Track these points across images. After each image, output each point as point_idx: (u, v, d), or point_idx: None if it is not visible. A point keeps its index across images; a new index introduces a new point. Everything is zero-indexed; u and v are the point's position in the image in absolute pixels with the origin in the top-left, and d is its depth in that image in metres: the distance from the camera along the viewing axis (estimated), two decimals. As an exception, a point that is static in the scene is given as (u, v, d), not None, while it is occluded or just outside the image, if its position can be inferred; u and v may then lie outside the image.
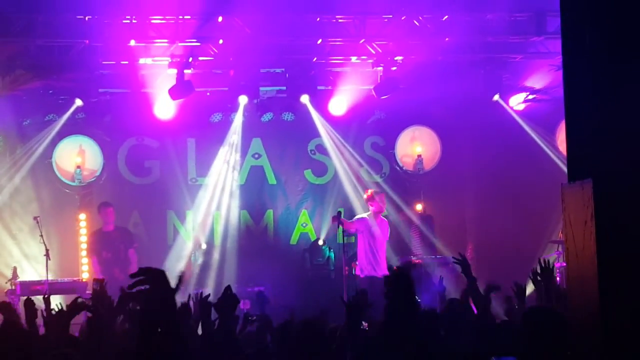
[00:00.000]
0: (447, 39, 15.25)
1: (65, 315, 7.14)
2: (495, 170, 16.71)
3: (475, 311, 8.08)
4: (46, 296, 8.18)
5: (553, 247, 15.95)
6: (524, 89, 16.64)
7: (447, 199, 16.95)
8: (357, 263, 14.92)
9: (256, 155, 16.95)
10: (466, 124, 16.72)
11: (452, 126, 16.88)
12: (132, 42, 14.82)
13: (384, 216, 15.07)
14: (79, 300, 7.22)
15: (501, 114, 16.60)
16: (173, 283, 4.51)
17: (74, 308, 7.24)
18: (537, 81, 16.52)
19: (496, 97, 16.45)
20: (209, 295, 7.51)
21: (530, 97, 16.66)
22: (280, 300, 15.17)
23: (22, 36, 14.47)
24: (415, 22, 15.18)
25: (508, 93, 16.58)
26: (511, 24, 15.34)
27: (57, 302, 7.94)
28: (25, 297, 8.02)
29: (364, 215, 14.96)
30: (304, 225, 17.05)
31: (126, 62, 15.34)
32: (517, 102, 16.71)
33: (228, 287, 7.44)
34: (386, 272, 13.84)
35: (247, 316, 8.67)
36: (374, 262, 14.58)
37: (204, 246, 16.44)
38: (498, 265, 14.70)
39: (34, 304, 7.78)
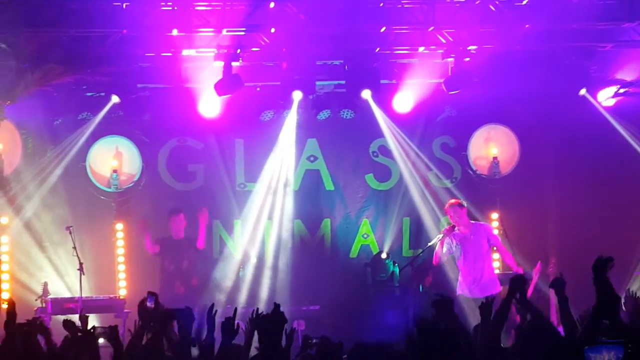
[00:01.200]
0: (527, 25, 15.04)
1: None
2: (582, 175, 16.52)
3: (563, 333, 7.87)
4: (85, 315, 8.05)
5: (647, 262, 15.68)
6: (614, 82, 16.36)
7: (527, 207, 16.67)
8: None
9: (312, 158, 16.83)
10: (548, 122, 16.53)
11: (533, 125, 16.70)
12: (174, 32, 14.72)
13: (479, 223, 14.80)
14: (98, 330, 7.19)
15: (588, 111, 16.30)
16: None
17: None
18: (630, 73, 16.28)
19: (583, 92, 16.16)
20: (262, 313, 7.46)
21: (622, 91, 16.38)
22: (337, 320, 15.02)
23: (53, 26, 14.39)
24: (491, 6, 14.95)
25: (596, 86, 16.29)
26: (600, 9, 15.04)
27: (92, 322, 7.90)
28: (64, 318, 7.88)
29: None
30: (365, 236, 16.88)
31: (168, 54, 15.24)
32: (606, 96, 16.42)
33: (277, 305, 7.35)
34: (485, 293, 13.56)
35: (307, 339, 8.56)
36: (468, 279, 14.37)
37: (253, 260, 16.36)
38: (584, 284, 14.25)
39: (74, 325, 7.64)
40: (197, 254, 15.59)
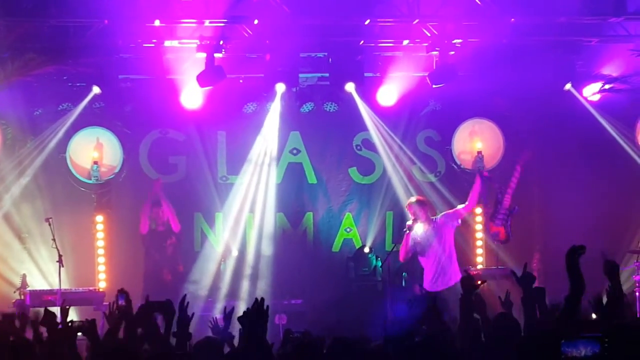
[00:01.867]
0: (512, 19, 15.06)
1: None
2: (567, 170, 16.45)
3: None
4: (67, 307, 7.96)
5: (632, 257, 15.53)
6: (599, 77, 16.34)
7: (511, 202, 16.49)
8: None
9: (294, 151, 16.77)
10: (533, 116, 16.48)
11: (517, 119, 16.65)
12: (157, 22, 14.69)
13: (435, 218, 14.70)
14: (75, 323, 7.12)
15: (573, 106, 16.29)
16: None
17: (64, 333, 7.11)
18: (615, 68, 16.24)
19: (568, 86, 16.18)
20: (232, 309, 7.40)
21: (607, 86, 16.35)
22: (320, 315, 14.99)
23: (33, 15, 14.32)
24: (476, 0, 14.89)
25: (582, 81, 16.28)
26: (586, 3, 15.08)
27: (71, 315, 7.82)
28: (43, 309, 7.81)
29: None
30: (348, 230, 16.85)
31: (150, 45, 15.20)
32: (591, 92, 16.40)
33: (259, 300, 7.25)
34: (449, 284, 13.76)
35: (288, 333, 8.52)
36: (431, 274, 14.41)
37: (235, 253, 16.30)
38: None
39: (55, 316, 7.56)
40: (177, 237, 15.61)
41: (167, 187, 16.17)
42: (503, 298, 9.06)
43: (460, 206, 14.87)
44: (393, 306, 14.29)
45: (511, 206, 15.79)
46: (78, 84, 15.63)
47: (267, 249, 16.41)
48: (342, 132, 16.78)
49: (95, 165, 15.96)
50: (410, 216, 14.59)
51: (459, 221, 14.79)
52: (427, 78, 15.76)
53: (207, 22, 14.75)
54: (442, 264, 14.34)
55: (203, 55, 15.04)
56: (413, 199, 14.86)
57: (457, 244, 15.73)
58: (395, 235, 16.47)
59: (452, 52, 15.50)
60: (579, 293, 7.02)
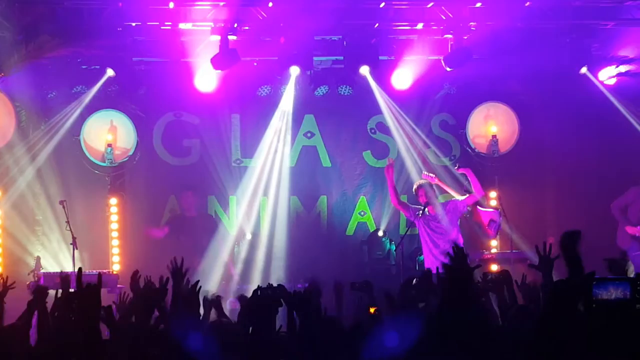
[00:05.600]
0: (527, 3, 15.03)
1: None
2: (582, 154, 16.42)
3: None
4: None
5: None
6: (615, 61, 16.29)
7: (525, 186, 16.64)
8: None
9: (309, 134, 16.77)
10: (548, 100, 16.44)
11: (533, 103, 16.61)
12: (171, 5, 14.74)
13: (444, 202, 14.68)
14: None
15: (589, 89, 16.25)
16: None
17: None
18: (631, 52, 16.20)
19: (584, 70, 16.13)
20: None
21: (623, 69, 16.31)
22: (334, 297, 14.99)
23: (48, -3, 14.32)
24: (491, -17, 14.92)
25: (597, 65, 16.23)
26: None
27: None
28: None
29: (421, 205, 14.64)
30: (362, 213, 16.84)
31: (164, 28, 15.19)
32: (607, 75, 16.37)
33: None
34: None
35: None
36: (439, 258, 14.26)
37: (248, 236, 16.31)
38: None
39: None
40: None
41: (181, 170, 16.28)
42: (519, 282, 9.00)
43: (465, 196, 14.77)
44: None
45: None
46: (92, 67, 15.62)
47: (281, 232, 16.40)
48: (357, 116, 16.77)
49: (109, 148, 15.94)
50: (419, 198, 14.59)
51: (468, 208, 14.77)
52: (442, 61, 15.75)
53: (221, 4, 14.75)
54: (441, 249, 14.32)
55: (217, 38, 15.04)
56: (423, 180, 14.83)
57: (471, 228, 15.77)
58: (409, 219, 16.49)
59: (467, 36, 15.49)
60: (585, 281, 6.95)
